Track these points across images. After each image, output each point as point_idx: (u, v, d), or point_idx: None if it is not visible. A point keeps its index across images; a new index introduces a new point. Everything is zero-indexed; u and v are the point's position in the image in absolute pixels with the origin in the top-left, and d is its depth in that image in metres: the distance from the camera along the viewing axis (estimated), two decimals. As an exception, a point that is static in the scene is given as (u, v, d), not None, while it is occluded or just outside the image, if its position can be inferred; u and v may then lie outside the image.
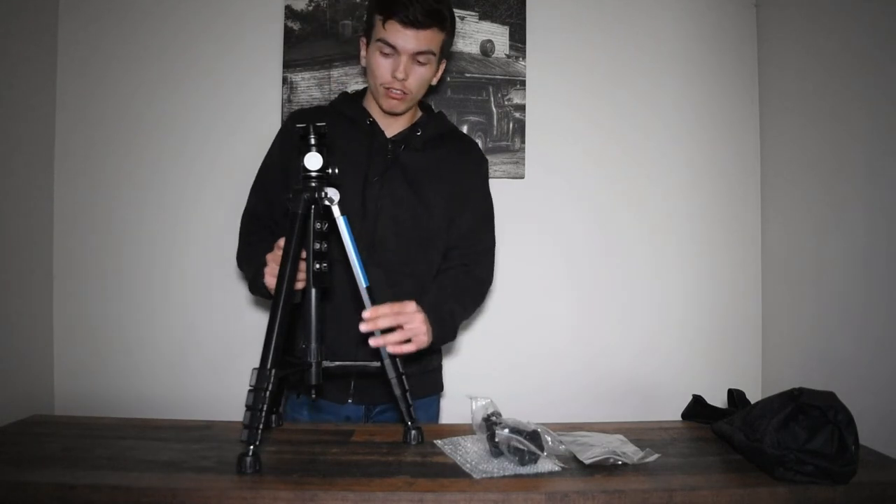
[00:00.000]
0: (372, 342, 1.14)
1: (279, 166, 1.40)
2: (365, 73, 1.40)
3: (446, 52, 1.39)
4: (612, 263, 1.89)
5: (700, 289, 1.90)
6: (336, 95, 1.52)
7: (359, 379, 1.34)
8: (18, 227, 1.66)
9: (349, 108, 1.42)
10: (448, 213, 1.41)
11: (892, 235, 1.35)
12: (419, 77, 1.33)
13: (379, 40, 1.29)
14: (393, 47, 1.28)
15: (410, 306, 1.20)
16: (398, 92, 1.32)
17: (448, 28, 1.33)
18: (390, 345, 1.15)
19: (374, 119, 1.40)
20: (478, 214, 1.46)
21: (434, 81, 1.40)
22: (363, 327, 1.13)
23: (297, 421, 1.37)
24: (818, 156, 1.61)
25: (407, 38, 1.27)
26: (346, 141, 1.34)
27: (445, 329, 1.30)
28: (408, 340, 1.18)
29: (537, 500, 0.90)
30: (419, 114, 1.46)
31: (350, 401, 1.36)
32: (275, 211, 1.40)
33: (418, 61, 1.31)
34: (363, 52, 1.38)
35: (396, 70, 1.29)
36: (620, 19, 1.89)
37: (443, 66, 1.41)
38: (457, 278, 1.40)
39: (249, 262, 1.36)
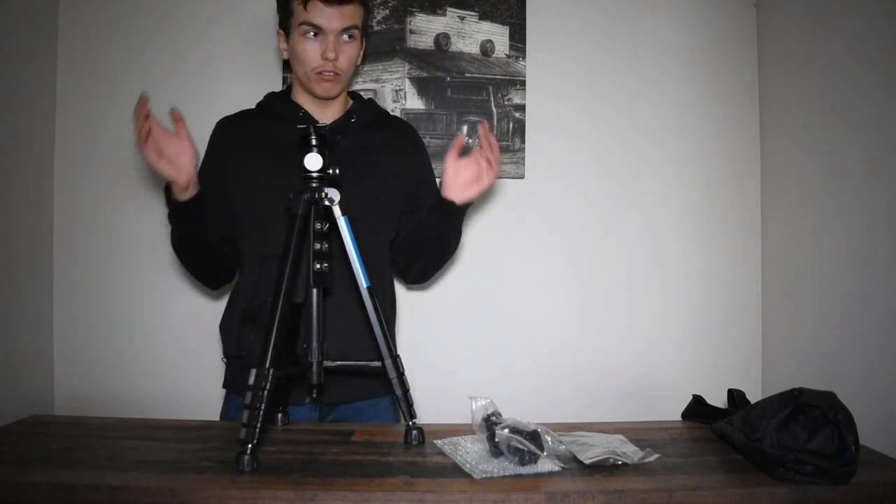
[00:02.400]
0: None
1: (216, 181, 1.36)
2: (287, 66, 1.38)
3: (366, 30, 1.41)
4: (612, 263, 1.89)
5: (700, 289, 1.90)
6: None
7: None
8: (18, 227, 1.66)
9: (279, 106, 1.42)
10: (396, 198, 1.42)
11: (893, 235, 1.35)
12: (348, 56, 1.34)
13: (303, 24, 1.29)
14: (318, 28, 1.29)
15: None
16: (330, 74, 1.33)
17: (366, 2, 1.36)
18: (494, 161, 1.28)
19: (306, 111, 1.40)
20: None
21: (358, 61, 1.41)
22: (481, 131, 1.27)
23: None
24: (818, 156, 1.61)
25: (331, 16, 1.29)
26: (276, 139, 1.31)
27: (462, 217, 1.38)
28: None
29: (537, 500, 0.90)
30: (350, 102, 1.47)
31: (307, 401, 1.32)
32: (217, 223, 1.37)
33: (345, 39, 1.32)
34: (283, 45, 1.38)
35: (326, 51, 1.30)
36: (620, 19, 1.90)
37: (363, 46, 1.43)
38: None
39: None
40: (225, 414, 1.43)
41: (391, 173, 1.42)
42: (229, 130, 1.42)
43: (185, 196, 1.24)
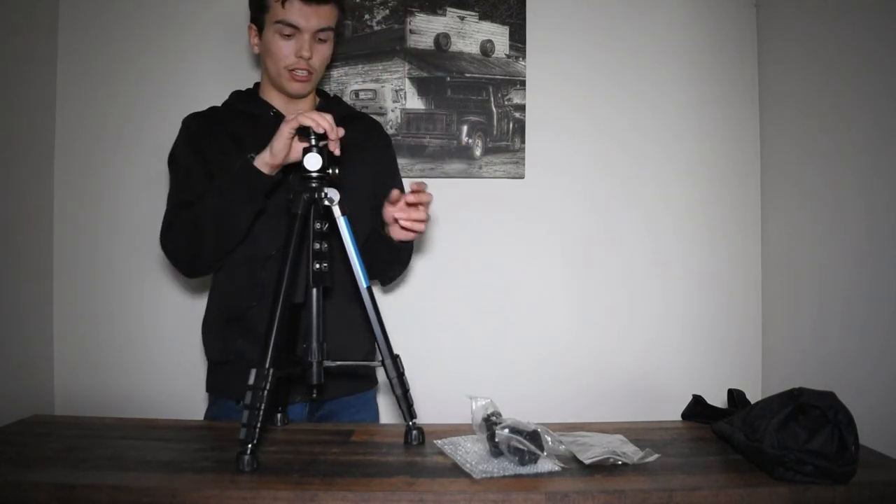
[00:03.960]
0: (405, 223, 1.26)
1: (199, 162, 1.35)
2: (258, 61, 1.40)
3: (339, 31, 1.42)
4: (613, 263, 1.89)
5: (700, 289, 1.90)
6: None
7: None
8: (18, 227, 1.66)
9: (249, 105, 1.41)
10: (367, 195, 1.42)
11: (893, 235, 1.35)
12: (321, 55, 1.35)
13: (279, 22, 1.30)
14: (294, 27, 1.30)
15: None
16: (303, 73, 1.34)
17: (342, 3, 1.37)
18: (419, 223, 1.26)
19: (276, 110, 1.39)
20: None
21: (327, 61, 1.42)
22: (409, 198, 1.25)
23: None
24: (818, 156, 1.61)
25: (308, 16, 1.29)
26: (254, 138, 1.29)
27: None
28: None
29: (537, 500, 0.90)
30: (317, 99, 1.48)
31: (298, 398, 1.33)
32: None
33: (320, 39, 1.33)
34: (255, 40, 1.38)
35: (301, 50, 1.31)
36: (620, 19, 1.89)
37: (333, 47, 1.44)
38: None
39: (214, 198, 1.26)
40: (210, 418, 1.41)
41: (363, 171, 1.42)
42: (204, 124, 1.40)
43: (276, 170, 1.22)
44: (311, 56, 1.32)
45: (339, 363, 1.14)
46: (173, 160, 1.39)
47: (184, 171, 1.37)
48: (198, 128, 1.39)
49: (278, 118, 1.36)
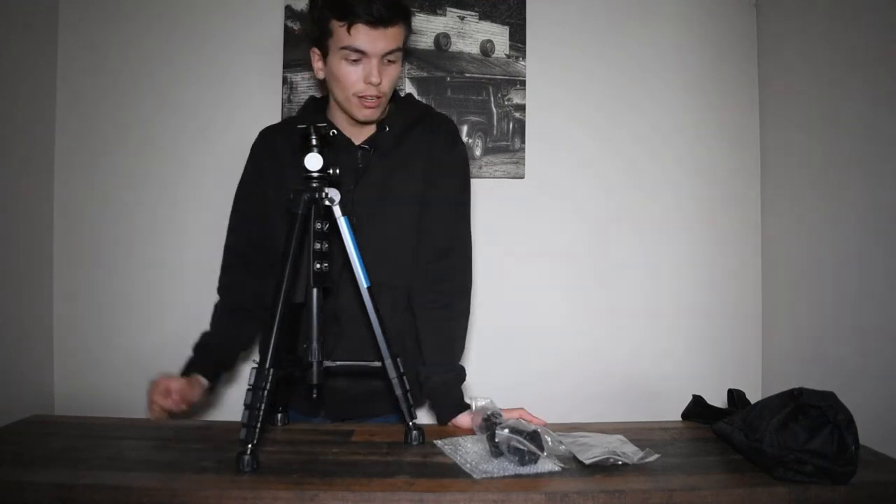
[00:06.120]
0: None
1: (257, 195, 1.34)
2: (322, 84, 1.33)
3: (407, 46, 1.34)
4: (613, 263, 1.89)
5: (700, 289, 1.90)
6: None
7: (333, 393, 1.31)
8: (18, 227, 1.66)
9: (314, 118, 1.34)
10: (416, 200, 1.34)
11: (892, 235, 1.35)
12: (391, 77, 1.27)
13: (345, 48, 1.21)
14: (362, 52, 1.21)
15: None
16: (373, 99, 1.25)
17: (409, 21, 1.29)
18: None
19: (338, 130, 1.31)
20: (450, 214, 1.37)
21: (397, 80, 1.35)
22: None
23: None
24: (818, 156, 1.61)
25: (376, 40, 1.20)
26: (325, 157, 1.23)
27: (452, 395, 1.28)
28: None
29: (537, 500, 0.90)
30: (387, 106, 1.37)
31: (322, 413, 1.35)
32: (256, 246, 1.36)
33: (388, 60, 1.25)
34: (318, 65, 1.30)
35: (370, 76, 1.22)
36: (620, 19, 1.90)
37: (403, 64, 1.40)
38: (440, 329, 1.36)
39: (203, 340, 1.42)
40: None
41: (413, 177, 1.34)
42: (266, 143, 1.39)
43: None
44: (381, 81, 1.24)
45: (338, 363, 1.14)
46: (238, 188, 1.41)
47: (239, 210, 1.40)
48: (259, 148, 1.39)
49: (339, 137, 1.30)
